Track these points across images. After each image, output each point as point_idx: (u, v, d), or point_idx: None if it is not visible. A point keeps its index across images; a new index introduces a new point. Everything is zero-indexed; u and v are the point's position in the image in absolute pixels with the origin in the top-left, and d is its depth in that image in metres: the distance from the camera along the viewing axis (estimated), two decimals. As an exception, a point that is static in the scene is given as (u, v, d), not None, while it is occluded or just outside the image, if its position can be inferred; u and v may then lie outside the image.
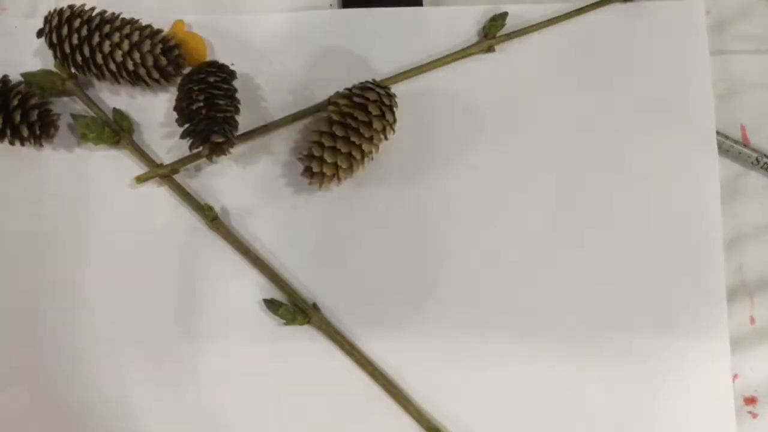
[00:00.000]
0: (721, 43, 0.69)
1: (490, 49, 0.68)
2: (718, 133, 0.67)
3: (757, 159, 0.67)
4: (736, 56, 0.69)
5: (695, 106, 0.68)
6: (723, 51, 0.69)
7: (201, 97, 0.61)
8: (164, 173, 0.65)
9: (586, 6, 0.69)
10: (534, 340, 0.64)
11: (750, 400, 0.64)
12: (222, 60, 0.67)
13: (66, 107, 0.67)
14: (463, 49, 0.68)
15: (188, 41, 0.67)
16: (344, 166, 0.62)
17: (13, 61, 0.68)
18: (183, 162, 0.66)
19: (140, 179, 0.65)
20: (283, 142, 0.67)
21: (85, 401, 0.64)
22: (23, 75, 0.66)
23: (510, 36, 0.68)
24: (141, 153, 0.66)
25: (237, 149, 0.66)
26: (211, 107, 0.62)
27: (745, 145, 0.67)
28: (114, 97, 0.68)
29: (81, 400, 0.64)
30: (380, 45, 0.69)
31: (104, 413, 0.64)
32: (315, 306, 0.64)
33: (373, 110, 0.62)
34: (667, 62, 0.68)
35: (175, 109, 0.64)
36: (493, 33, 0.68)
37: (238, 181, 0.67)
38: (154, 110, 0.68)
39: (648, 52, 0.69)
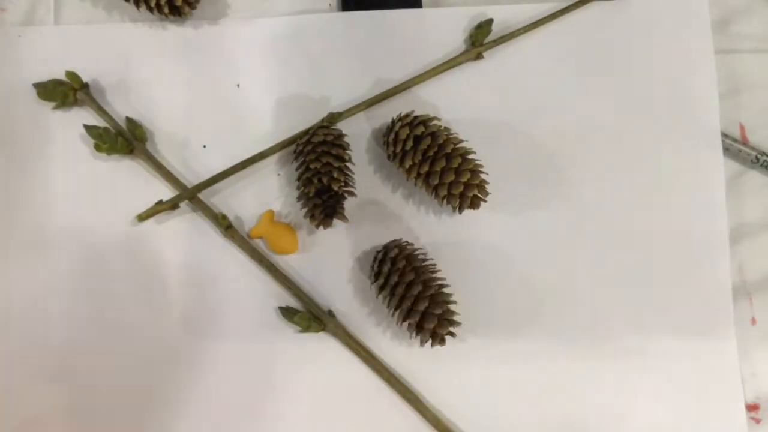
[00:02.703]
0: (721, 43, 0.69)
1: (478, 56, 0.68)
2: (718, 131, 0.67)
3: (756, 157, 0.67)
4: (736, 55, 0.69)
5: (699, 104, 0.68)
6: (723, 50, 0.69)
7: (336, 174, 0.61)
8: (165, 209, 0.65)
9: (570, 5, 0.68)
10: (541, 341, 0.65)
11: (752, 407, 0.64)
12: (222, 63, 0.68)
13: (78, 117, 0.67)
14: (452, 59, 0.68)
15: (280, 233, 0.66)
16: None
17: (18, 70, 0.67)
18: (181, 197, 0.65)
19: (142, 217, 0.65)
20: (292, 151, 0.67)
21: (99, 410, 0.64)
22: (35, 85, 0.66)
23: (497, 42, 0.68)
24: (155, 162, 0.66)
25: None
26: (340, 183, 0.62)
27: (744, 144, 0.68)
28: (126, 106, 0.67)
29: (96, 407, 0.64)
30: (380, 46, 0.68)
31: (119, 421, 0.64)
32: (330, 313, 0.64)
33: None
34: (670, 59, 0.68)
35: (301, 178, 0.63)
36: (480, 40, 0.68)
37: (250, 189, 0.67)
38: (167, 118, 0.67)
39: (649, 50, 0.69)
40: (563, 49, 0.69)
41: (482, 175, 0.62)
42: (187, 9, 0.66)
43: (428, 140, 0.61)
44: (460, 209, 0.62)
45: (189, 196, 0.65)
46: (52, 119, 0.67)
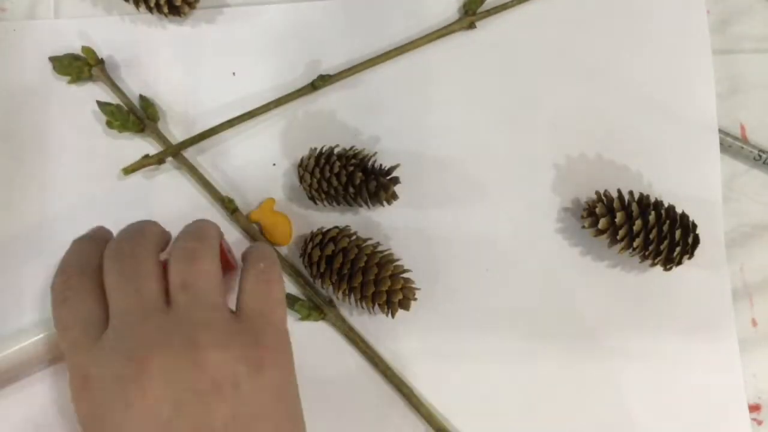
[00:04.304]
0: (721, 43, 0.69)
1: (471, 25, 0.68)
2: (718, 130, 0.67)
3: (759, 154, 0.67)
4: (736, 56, 0.69)
5: (695, 101, 0.67)
6: (723, 50, 0.69)
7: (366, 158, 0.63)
8: (151, 162, 0.65)
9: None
10: (539, 341, 0.64)
11: (753, 408, 0.64)
12: (222, 53, 0.68)
13: (92, 93, 0.67)
14: (444, 27, 0.68)
15: (276, 223, 0.66)
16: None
17: (14, 65, 0.68)
18: (166, 152, 0.65)
19: (127, 170, 0.65)
20: (296, 140, 0.67)
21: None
22: (51, 59, 0.66)
23: (491, 12, 0.68)
24: (165, 142, 0.66)
25: (244, 144, 0.67)
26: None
27: (745, 142, 0.67)
28: (141, 82, 0.68)
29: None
30: (377, 25, 0.68)
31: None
32: (331, 302, 0.64)
33: None
34: (667, 53, 0.68)
35: (333, 185, 0.62)
36: (473, 9, 0.68)
37: (254, 173, 0.67)
38: (181, 96, 0.68)
39: (647, 41, 0.68)
40: (557, 30, 0.69)
41: (404, 275, 0.62)
42: (186, 9, 0.67)
43: (340, 258, 0.61)
44: (392, 314, 0.62)
45: (175, 150, 0.66)
46: (65, 96, 0.67)
